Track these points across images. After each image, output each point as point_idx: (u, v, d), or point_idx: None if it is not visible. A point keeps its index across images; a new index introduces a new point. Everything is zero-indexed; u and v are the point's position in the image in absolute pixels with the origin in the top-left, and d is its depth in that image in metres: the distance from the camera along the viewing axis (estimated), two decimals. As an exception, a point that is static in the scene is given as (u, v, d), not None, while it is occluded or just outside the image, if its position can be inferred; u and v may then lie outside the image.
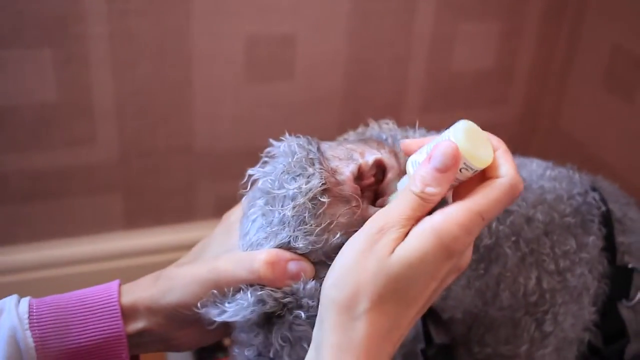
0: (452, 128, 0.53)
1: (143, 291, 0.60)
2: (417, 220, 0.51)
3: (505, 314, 0.66)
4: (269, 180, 0.57)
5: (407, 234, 0.50)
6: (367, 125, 0.65)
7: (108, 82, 0.97)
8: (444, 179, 0.51)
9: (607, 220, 0.71)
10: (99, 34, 0.94)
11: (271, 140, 0.60)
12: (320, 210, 0.54)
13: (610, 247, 0.71)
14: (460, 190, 0.53)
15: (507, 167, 0.52)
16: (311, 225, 0.54)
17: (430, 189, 0.51)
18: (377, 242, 0.50)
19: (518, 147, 1.22)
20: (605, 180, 0.82)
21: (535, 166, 0.70)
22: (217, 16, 0.98)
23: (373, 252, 0.50)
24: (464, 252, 0.52)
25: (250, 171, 0.60)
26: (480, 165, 0.52)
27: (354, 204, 0.55)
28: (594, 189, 0.72)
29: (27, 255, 1.04)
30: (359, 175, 0.56)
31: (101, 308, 0.59)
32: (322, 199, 0.54)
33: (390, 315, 0.50)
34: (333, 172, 0.56)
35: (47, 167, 0.99)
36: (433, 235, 0.49)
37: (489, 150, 0.53)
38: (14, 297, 0.60)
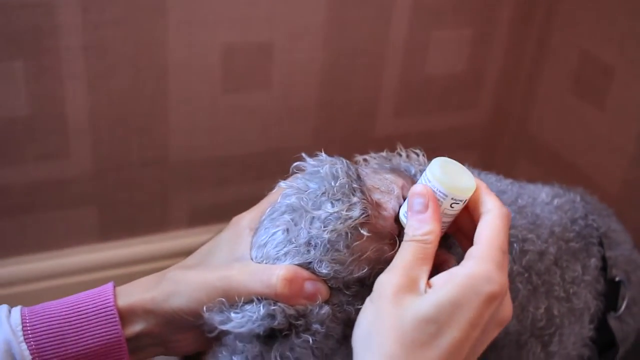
0: (427, 168, 0.54)
1: (142, 293, 0.58)
2: (425, 262, 0.51)
3: (511, 337, 0.67)
4: (303, 198, 0.55)
5: (415, 279, 0.50)
6: (386, 146, 0.64)
7: (82, 95, 0.94)
8: (429, 217, 0.52)
9: (602, 240, 0.73)
10: (72, 46, 0.90)
11: (305, 157, 0.58)
12: (357, 243, 0.53)
13: (604, 265, 0.73)
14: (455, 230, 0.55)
15: (491, 201, 0.54)
16: (343, 255, 0.53)
17: (419, 231, 0.52)
18: (396, 295, 0.49)
19: (487, 149, 1.25)
20: (586, 193, 0.83)
21: (544, 195, 0.70)
22: (193, 26, 0.95)
23: (393, 302, 0.49)
24: (505, 298, 0.51)
25: (282, 184, 0.58)
26: (467, 194, 0.53)
27: (388, 242, 0.55)
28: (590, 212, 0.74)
29: (1, 270, 1.00)
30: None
31: (97, 313, 0.57)
32: (362, 232, 0.53)
33: None
34: (377, 205, 0.55)
35: (20, 181, 0.95)
36: (467, 279, 0.49)
37: (469, 177, 0.54)
38: (4, 307, 0.57)
